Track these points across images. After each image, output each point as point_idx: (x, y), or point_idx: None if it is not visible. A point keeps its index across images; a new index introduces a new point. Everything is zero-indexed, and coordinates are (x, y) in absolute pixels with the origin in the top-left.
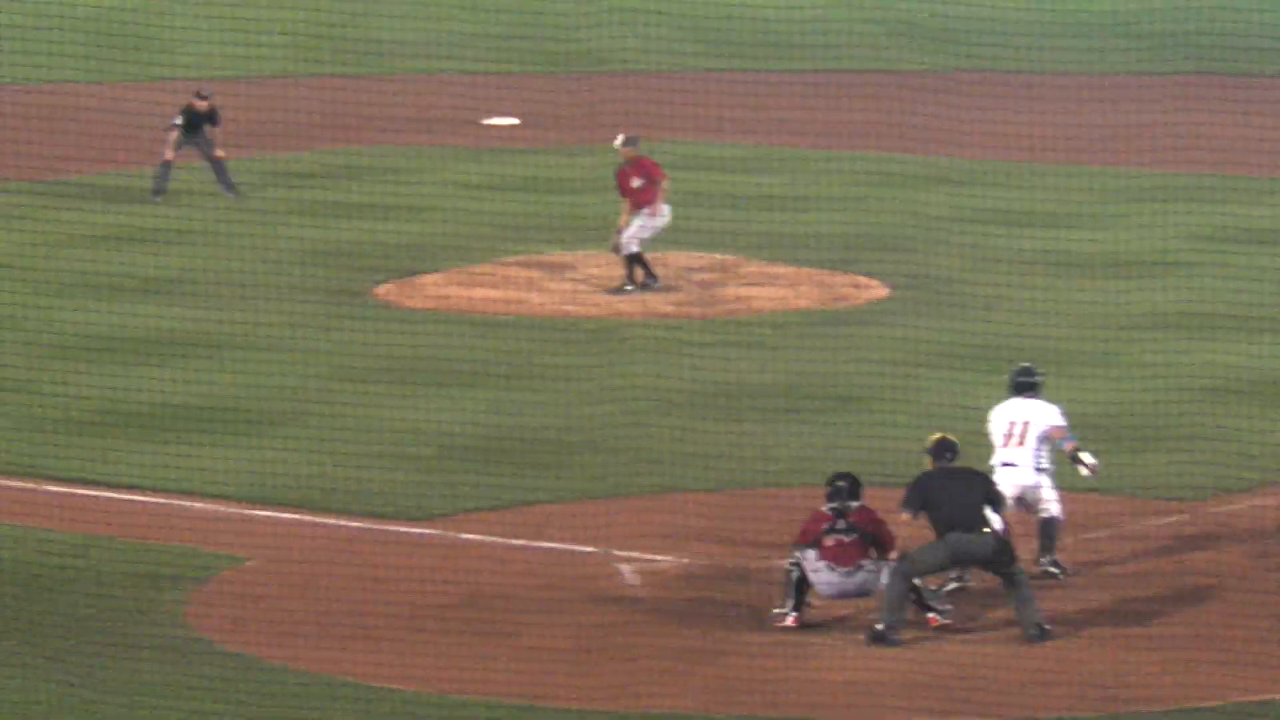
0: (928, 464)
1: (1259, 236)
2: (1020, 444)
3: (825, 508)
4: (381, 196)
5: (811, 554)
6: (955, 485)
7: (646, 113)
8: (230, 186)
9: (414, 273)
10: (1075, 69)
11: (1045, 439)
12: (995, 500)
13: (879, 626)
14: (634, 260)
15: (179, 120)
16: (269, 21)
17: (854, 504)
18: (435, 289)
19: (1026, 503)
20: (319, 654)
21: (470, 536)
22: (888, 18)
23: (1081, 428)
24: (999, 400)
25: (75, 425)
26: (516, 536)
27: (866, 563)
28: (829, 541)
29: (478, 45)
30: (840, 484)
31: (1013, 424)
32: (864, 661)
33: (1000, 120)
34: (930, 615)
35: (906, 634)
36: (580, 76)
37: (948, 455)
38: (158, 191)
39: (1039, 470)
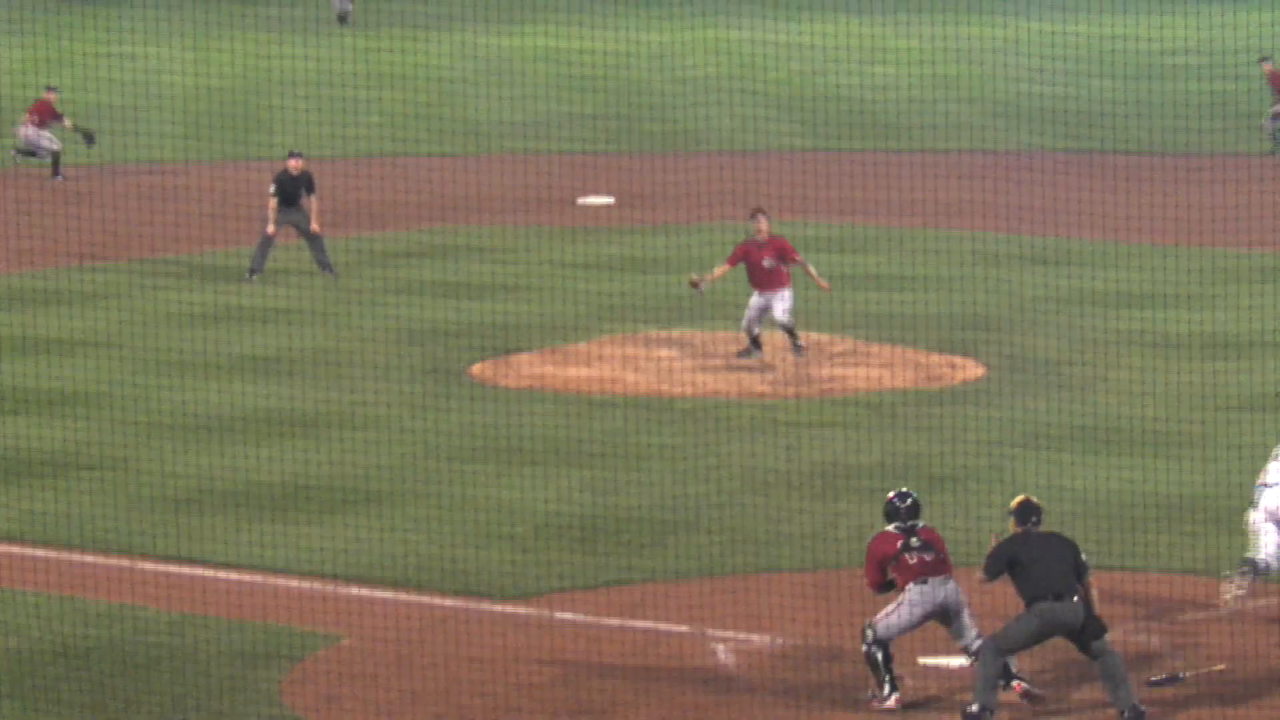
0: (1010, 526)
1: None
2: None
3: (891, 527)
4: (476, 276)
5: (880, 618)
6: (1043, 550)
7: (742, 192)
8: (327, 265)
9: (509, 352)
10: (1172, 149)
11: None
12: (1081, 569)
13: (973, 708)
14: (792, 332)
15: (273, 189)
16: (366, 102)
17: (919, 523)
18: (530, 368)
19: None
20: None
21: (565, 616)
22: (985, 98)
23: (1179, 509)
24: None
25: (171, 503)
26: (611, 616)
27: (949, 576)
28: (911, 560)
29: (573, 125)
30: (901, 504)
31: None
32: None
33: (1097, 200)
34: (1015, 683)
35: (1001, 715)
36: (676, 156)
37: (1033, 519)
38: (253, 271)
39: None
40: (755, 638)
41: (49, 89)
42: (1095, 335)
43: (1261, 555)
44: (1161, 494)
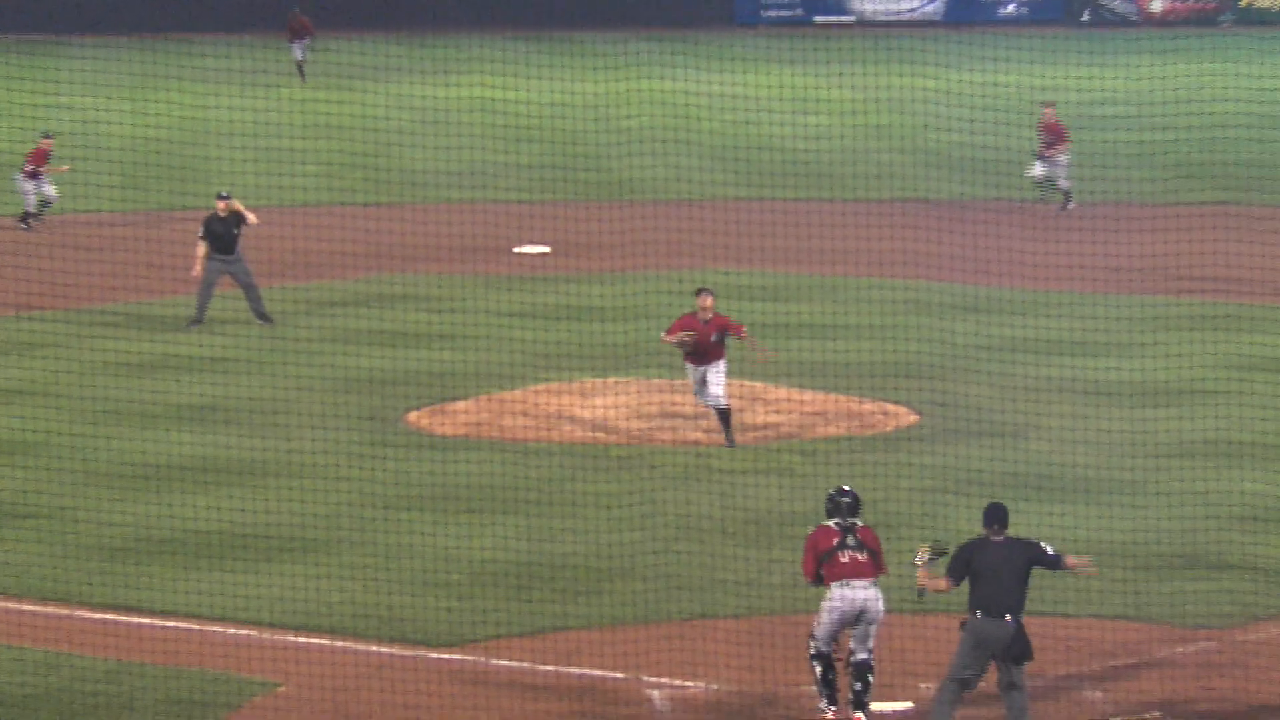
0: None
1: None
2: None
3: (832, 522)
4: (413, 324)
5: (815, 626)
6: (996, 559)
7: (677, 241)
8: (264, 315)
9: (445, 400)
10: (1103, 198)
11: None
12: (1045, 562)
13: None
14: (727, 415)
15: (201, 232)
16: (303, 152)
17: (858, 521)
18: (466, 416)
19: None
20: None
21: (501, 663)
22: (916, 148)
23: (1109, 554)
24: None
25: (108, 552)
26: (547, 662)
27: (875, 582)
28: (843, 558)
29: (509, 175)
30: (842, 499)
31: None
32: None
33: (1027, 249)
34: (858, 715)
35: None
36: (611, 205)
37: (995, 525)
38: (195, 321)
39: None
40: (690, 684)
41: (46, 135)
42: (1026, 383)
43: None
44: (1092, 539)
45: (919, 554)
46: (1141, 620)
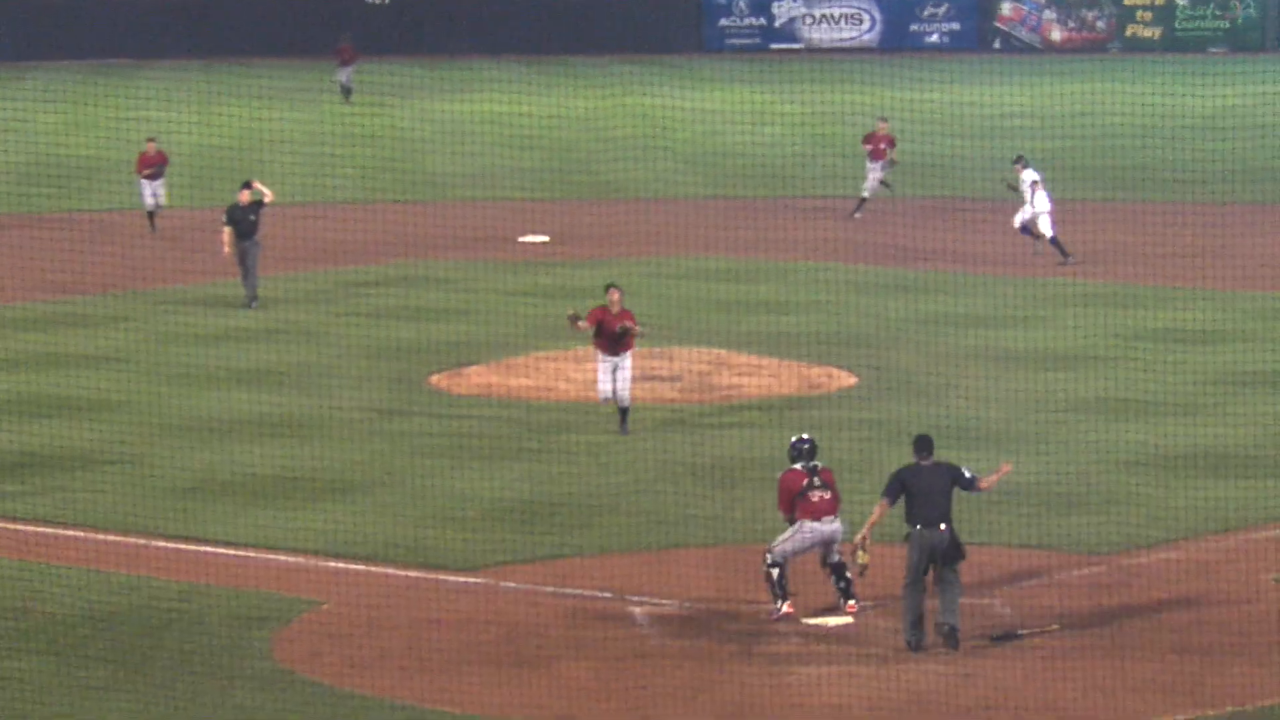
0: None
1: (1164, 335)
2: None
3: (798, 466)
4: (434, 302)
5: (776, 544)
6: (926, 483)
7: (655, 232)
8: (253, 298)
9: (462, 365)
10: (1012, 197)
11: None
12: (967, 484)
13: (904, 640)
14: (625, 413)
15: (225, 219)
16: (343, 157)
17: (819, 463)
18: (479, 378)
19: None
20: (383, 682)
21: (509, 584)
22: (856, 153)
23: (1017, 495)
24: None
25: (181, 492)
26: (547, 584)
27: (838, 515)
28: (814, 497)
29: (515, 177)
30: (804, 446)
31: None
32: (836, 688)
33: (949, 238)
34: (850, 603)
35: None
36: (600, 202)
37: (923, 453)
38: (251, 299)
39: None
40: (666, 602)
41: (150, 139)
42: (947, 350)
43: None
44: (1002, 481)
45: (859, 559)
46: (1043, 548)
